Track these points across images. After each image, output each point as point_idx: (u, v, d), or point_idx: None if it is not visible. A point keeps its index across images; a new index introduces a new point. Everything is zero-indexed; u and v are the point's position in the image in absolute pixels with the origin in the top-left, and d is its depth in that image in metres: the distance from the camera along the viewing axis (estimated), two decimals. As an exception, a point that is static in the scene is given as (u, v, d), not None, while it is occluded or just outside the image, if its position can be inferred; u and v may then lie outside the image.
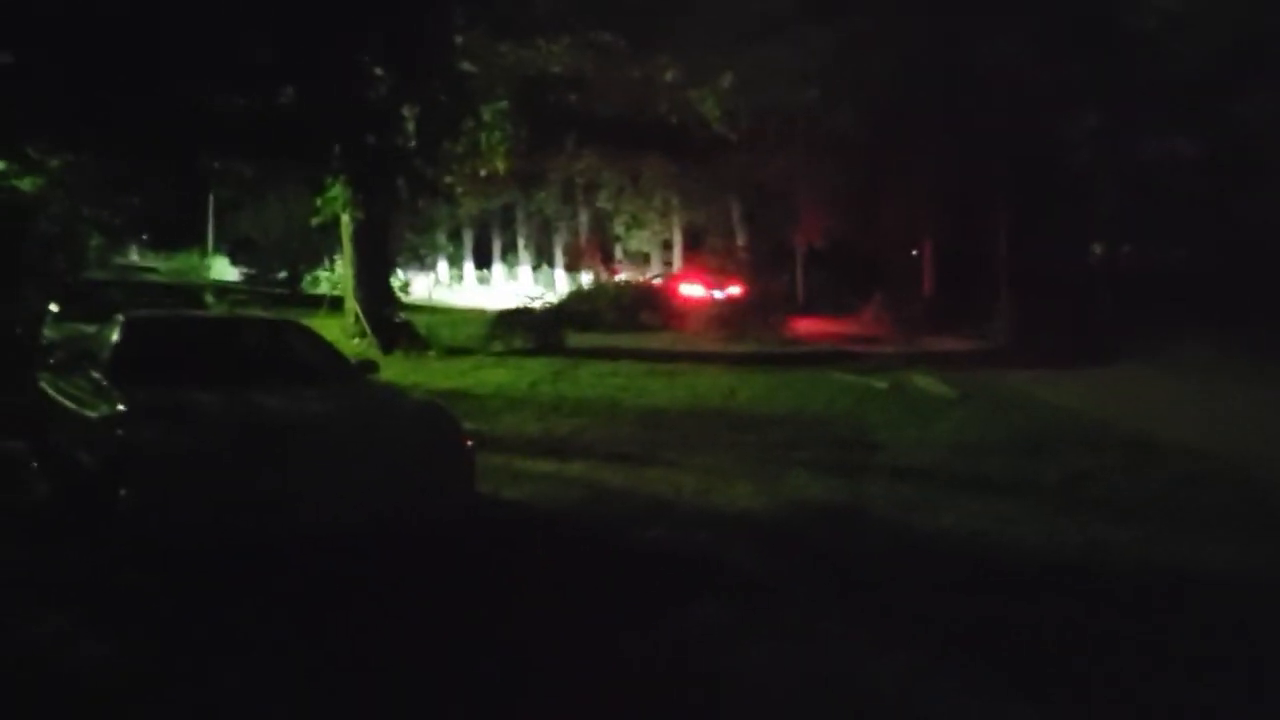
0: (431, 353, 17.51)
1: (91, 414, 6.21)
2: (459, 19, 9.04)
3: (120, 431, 5.74)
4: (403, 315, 19.33)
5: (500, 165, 16.88)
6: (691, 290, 28.84)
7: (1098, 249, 26.91)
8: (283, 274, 34.77)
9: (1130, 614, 5.26)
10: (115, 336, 6.81)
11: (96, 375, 6.55)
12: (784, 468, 8.91)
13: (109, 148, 7.93)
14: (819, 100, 18.81)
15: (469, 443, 6.40)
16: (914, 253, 25.24)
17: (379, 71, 8.32)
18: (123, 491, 5.57)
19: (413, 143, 11.97)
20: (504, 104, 15.73)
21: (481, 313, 28.02)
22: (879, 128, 20.88)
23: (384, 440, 6.04)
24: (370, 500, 5.74)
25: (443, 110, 12.26)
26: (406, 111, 11.91)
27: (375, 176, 11.19)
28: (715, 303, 25.43)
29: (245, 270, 36.81)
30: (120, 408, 5.86)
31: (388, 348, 16.85)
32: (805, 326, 23.68)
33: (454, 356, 17.64)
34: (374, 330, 17.21)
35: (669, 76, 18.53)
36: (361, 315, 17.46)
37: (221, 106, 7.05)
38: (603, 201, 27.84)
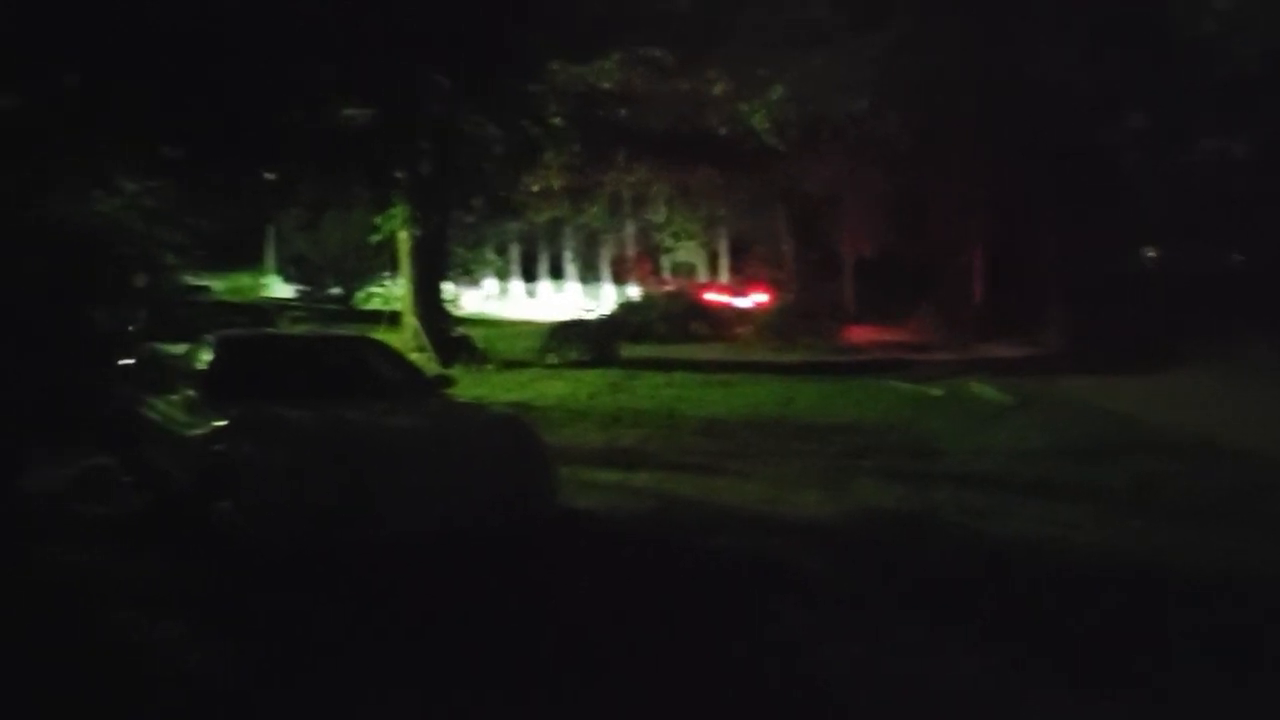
0: (490, 366, 17.79)
1: (188, 430, 6.50)
2: (540, 46, 9.31)
3: (219, 446, 6.02)
4: (460, 329, 19.64)
5: (555, 181, 17.16)
6: (715, 299, 29.31)
7: (1150, 252, 26.65)
8: (335, 290, 35.39)
9: (1200, 615, 5.34)
10: (208, 355, 7.11)
11: (191, 392, 6.85)
12: (848, 476, 9.03)
13: (186, 169, 8.24)
14: (867, 108, 18.86)
15: (549, 453, 6.61)
16: (963, 259, 25.14)
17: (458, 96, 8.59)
18: (222, 503, 5.86)
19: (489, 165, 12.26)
20: (558, 120, 16.02)
21: (532, 325, 28.36)
22: (926, 134, 20.86)
23: (469, 451, 6.26)
24: (457, 509, 5.97)
25: (523, 135, 12.54)
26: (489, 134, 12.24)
27: (452, 196, 11.47)
28: (759, 312, 25.76)
29: (299, 287, 37.49)
30: (218, 423, 6.14)
31: (447, 361, 17.14)
32: (856, 335, 23.70)
33: (511, 369, 17.92)
34: (433, 344, 17.51)
35: (718, 89, 18.72)
36: (421, 330, 17.78)
37: (300, 128, 7.34)
38: (652, 214, 28.03)
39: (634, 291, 33.35)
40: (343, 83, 6.80)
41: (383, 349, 8.38)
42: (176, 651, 4.63)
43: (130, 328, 10.72)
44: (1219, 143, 23.97)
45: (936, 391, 15.15)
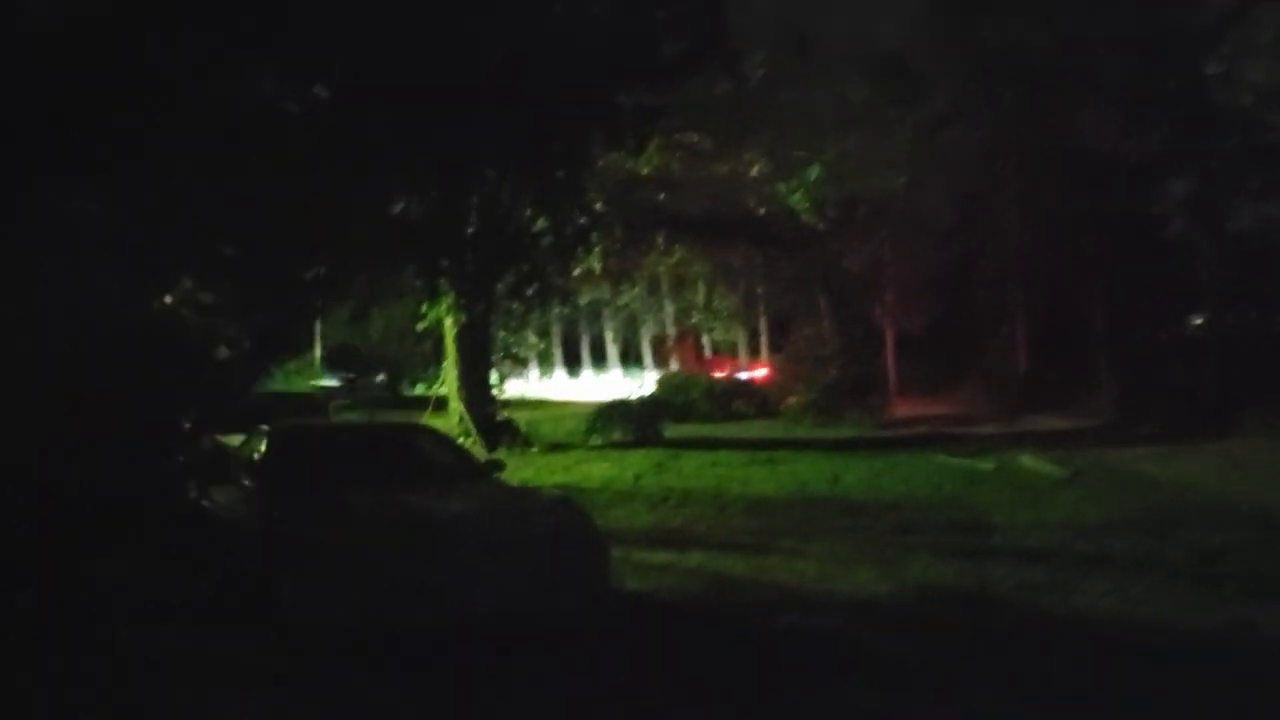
0: (534, 449, 17.89)
1: (249, 518, 6.61)
2: (596, 145, 9.64)
3: (277, 533, 6.11)
4: (504, 413, 19.81)
5: (596, 264, 17.46)
6: (721, 375, 29.79)
7: (1198, 319, 26.34)
8: (380, 378, 35.93)
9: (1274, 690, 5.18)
10: (265, 445, 7.25)
11: (250, 482, 6.98)
12: (902, 552, 8.91)
13: (242, 266, 8.50)
14: (905, 185, 19.05)
15: (602, 535, 6.63)
16: (1007, 330, 25.03)
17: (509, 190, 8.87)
18: (283, 588, 5.92)
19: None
20: (600, 207, 16.35)
21: (575, 407, 28.54)
22: (966, 208, 21.00)
23: (523, 534, 6.30)
24: (513, 592, 5.98)
25: (573, 224, 12.87)
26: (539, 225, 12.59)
27: (503, 284, 11.73)
28: (761, 385, 26.09)
29: (344, 375, 38.10)
30: (276, 511, 6.24)
31: (492, 445, 17.27)
32: (900, 409, 23.55)
33: (556, 451, 17.99)
34: (479, 429, 17.68)
35: (755, 171, 19.03)
36: (466, 414, 17.97)
37: (356, 224, 7.58)
38: (691, 295, 28.37)
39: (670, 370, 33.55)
40: (400, 179, 7.04)
41: (434, 435, 8.50)
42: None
43: (188, 422, 10.98)
44: (1266, 208, 23.82)
45: (986, 465, 14.95)
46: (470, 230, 10.93)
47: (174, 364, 5.99)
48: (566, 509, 6.93)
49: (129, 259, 6.10)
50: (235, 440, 8.44)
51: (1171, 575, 7.89)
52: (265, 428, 7.62)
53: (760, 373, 30.63)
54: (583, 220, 13.18)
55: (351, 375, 37.40)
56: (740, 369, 31.84)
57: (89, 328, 5.47)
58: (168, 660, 5.75)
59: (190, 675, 5.51)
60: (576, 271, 20.50)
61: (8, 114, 5.53)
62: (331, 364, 35.39)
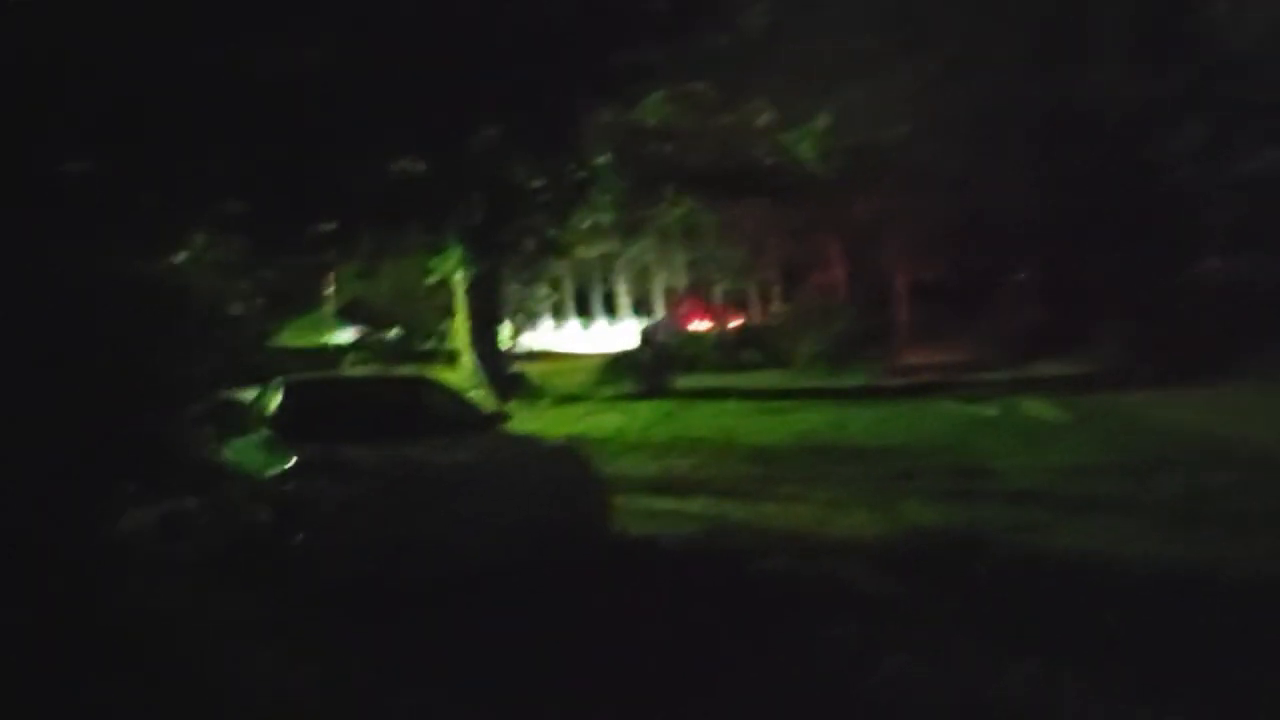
0: (545, 401, 18.17)
1: (262, 470, 6.86)
2: (591, 100, 9.75)
3: (290, 484, 6.37)
4: (515, 366, 20.07)
5: (604, 216, 17.59)
6: (699, 325, 30.00)
7: (1211, 264, 26.24)
8: (392, 333, 36.23)
9: (1255, 623, 5.38)
10: (278, 398, 7.49)
11: (263, 434, 7.23)
12: (900, 497, 9.13)
13: (251, 223, 8.68)
14: (912, 133, 19.00)
15: (604, 483, 6.86)
16: (1015, 277, 25.04)
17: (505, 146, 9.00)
18: (297, 538, 6.19)
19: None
20: (605, 159, 16.42)
21: (584, 359, 28.81)
22: (973, 156, 20.92)
23: (527, 483, 6.55)
24: (517, 539, 6.23)
25: (570, 179, 12.95)
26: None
27: (502, 240, 11.88)
28: (735, 332, 26.25)
29: (357, 330, 38.40)
30: (290, 463, 6.49)
31: (504, 398, 17.53)
32: (909, 357, 23.70)
33: (566, 403, 18.28)
34: (490, 381, 17.95)
35: (762, 121, 19.00)
36: (478, 367, 18.23)
37: (360, 181, 7.73)
38: (702, 247, 28.47)
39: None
40: (401, 138, 7.19)
41: (441, 388, 8.73)
42: (271, 674, 4.94)
43: (201, 376, 11.24)
44: (1273, 152, 23.62)
45: (990, 411, 15.13)
46: (471, 190, 11.10)
47: (187, 319, 6.19)
48: (568, 457, 7.17)
49: (139, 219, 6.29)
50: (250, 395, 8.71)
51: (1162, 515, 8.07)
52: (278, 381, 7.86)
53: (736, 322, 30.91)
54: (581, 175, 13.27)
55: (365, 330, 37.73)
56: (718, 318, 32.10)
57: (100, 285, 5.67)
58: (179, 614, 6.02)
59: (202, 628, 5.79)
60: (586, 225, 20.62)
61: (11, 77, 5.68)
62: (345, 319, 35.66)
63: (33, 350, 5.29)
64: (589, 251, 27.30)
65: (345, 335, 38.47)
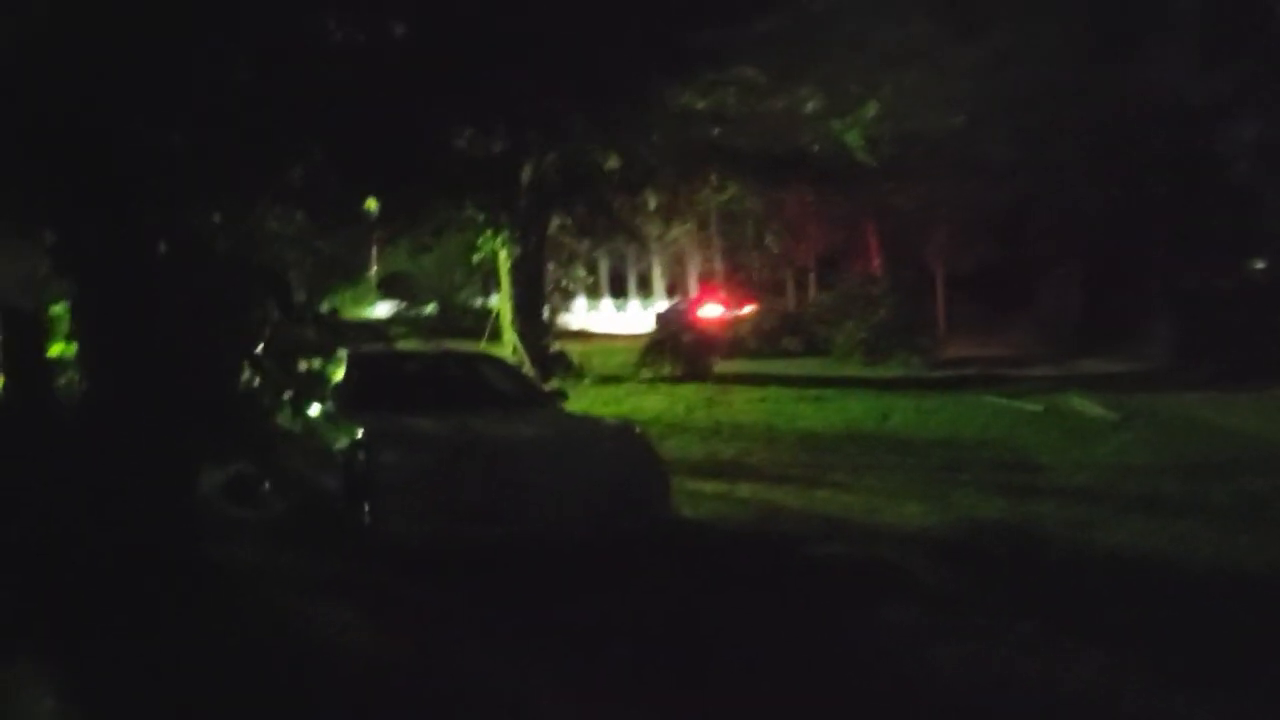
0: (586, 381, 18.25)
1: (330, 439, 6.99)
2: (666, 84, 9.80)
3: (361, 454, 6.49)
4: (556, 345, 20.18)
5: (651, 200, 17.58)
6: (709, 311, 29.87)
7: (1260, 264, 25.90)
8: (430, 307, 36.49)
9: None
10: (341, 370, 7.61)
11: (328, 405, 7.35)
12: (949, 488, 9.14)
13: (311, 196, 8.77)
14: (964, 124, 18.83)
15: (664, 463, 6.94)
16: (1062, 271, 24.82)
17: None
18: (367, 506, 6.32)
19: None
20: (655, 139, 16.39)
21: (620, 340, 28.91)
22: (1026, 147, 20.73)
23: (590, 459, 6.64)
24: (581, 514, 6.33)
25: (644, 162, 12.97)
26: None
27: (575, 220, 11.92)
28: (748, 320, 25.98)
29: (396, 303, 38.71)
30: (360, 433, 6.61)
31: (545, 376, 17.64)
32: (950, 350, 23.57)
33: (607, 384, 18.35)
34: (532, 360, 18.04)
35: (810, 107, 18.88)
36: (520, 345, 18.33)
37: (428, 157, 7.79)
38: (742, 231, 28.46)
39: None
40: (477, 116, 7.26)
41: (500, 364, 8.85)
42: (345, 634, 5.08)
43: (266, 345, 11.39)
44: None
45: (1035, 407, 15.03)
46: (534, 166, 11.17)
47: (259, 287, 6.30)
48: (631, 437, 7.24)
49: (212, 190, 6.39)
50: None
51: (1216, 517, 8.03)
52: (343, 352, 7.96)
53: (750, 309, 30.74)
54: (650, 159, 13.31)
55: (403, 304, 38.02)
56: (735, 307, 31.97)
57: (183, 253, 5.80)
58: (254, 576, 6.18)
59: (275, 590, 5.94)
60: (652, 207, 20.60)
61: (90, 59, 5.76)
62: (387, 292, 35.89)
63: (127, 315, 5.43)
64: (651, 233, 27.34)
65: (383, 309, 38.80)
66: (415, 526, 6.07)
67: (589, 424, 7.89)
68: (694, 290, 42.82)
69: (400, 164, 7.20)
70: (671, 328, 22.08)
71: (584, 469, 6.56)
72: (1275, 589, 6.10)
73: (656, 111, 9.68)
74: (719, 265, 39.65)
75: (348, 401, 7.19)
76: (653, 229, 26.36)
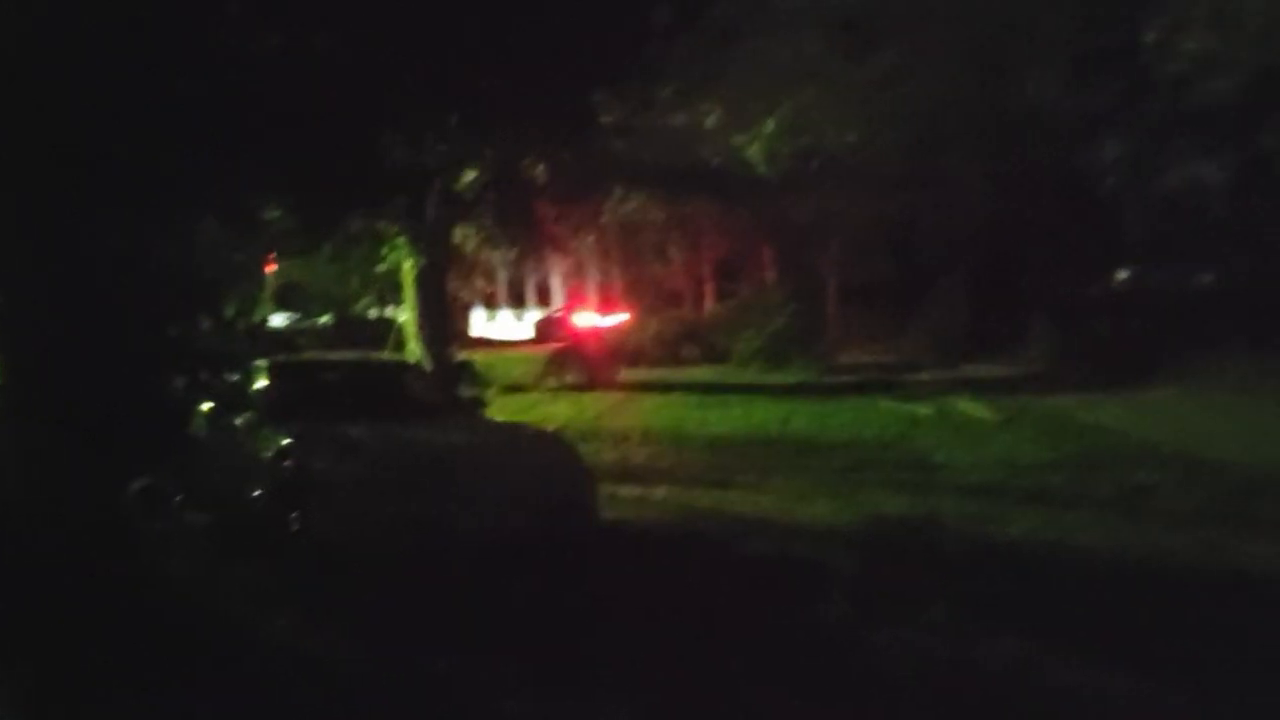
0: (492, 390, 18.27)
1: (253, 448, 6.99)
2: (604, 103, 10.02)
3: (290, 462, 6.52)
4: (460, 354, 20.13)
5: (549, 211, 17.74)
6: (583, 320, 30.64)
7: (1125, 273, 27.53)
8: (324, 318, 35.83)
9: (1193, 605, 5.91)
10: (267, 379, 7.59)
11: (249, 414, 7.33)
12: (855, 487, 9.59)
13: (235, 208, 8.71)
14: (857, 139, 19.59)
15: (589, 468, 7.14)
16: (949, 281, 25.90)
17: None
18: (295, 514, 6.35)
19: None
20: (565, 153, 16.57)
21: (519, 349, 28.99)
22: (914, 161, 21.63)
23: (518, 465, 6.81)
24: (510, 517, 6.48)
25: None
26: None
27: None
28: (620, 331, 26.77)
29: (290, 314, 37.87)
30: (287, 442, 6.64)
31: (450, 385, 17.59)
32: (844, 356, 24.37)
33: (513, 393, 18.45)
34: (437, 370, 17.97)
35: (711, 123, 19.36)
36: (425, 355, 18.24)
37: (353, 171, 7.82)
38: (645, 242, 28.86)
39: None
40: (406, 131, 7.33)
41: (420, 372, 8.91)
42: (292, 638, 5.16)
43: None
44: (1194, 168, 24.92)
45: (927, 410, 15.72)
46: (447, 177, 11.27)
47: (189, 298, 6.28)
48: (556, 442, 7.44)
49: (142, 198, 6.34)
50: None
51: (1100, 508, 8.65)
52: (264, 361, 7.94)
53: (622, 317, 31.45)
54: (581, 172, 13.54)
55: (297, 315, 37.21)
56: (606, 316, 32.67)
57: (114, 261, 5.76)
58: (182, 586, 6.15)
59: (205, 600, 5.93)
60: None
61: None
62: (281, 302, 35.10)
63: (49, 324, 5.38)
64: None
65: (277, 320, 37.87)
66: (345, 534, 6.13)
67: (513, 430, 8.05)
68: (591, 299, 43.18)
69: (332, 174, 7.23)
70: (557, 337, 22.37)
71: (511, 474, 6.72)
72: (1155, 571, 6.64)
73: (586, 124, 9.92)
74: (618, 275, 40.04)
75: (270, 410, 7.18)
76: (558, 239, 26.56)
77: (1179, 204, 25.20)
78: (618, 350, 22.47)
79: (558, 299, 46.03)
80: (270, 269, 28.11)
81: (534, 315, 46.92)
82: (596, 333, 24.14)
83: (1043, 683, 4.62)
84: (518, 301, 48.50)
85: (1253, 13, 13.35)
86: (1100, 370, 19.32)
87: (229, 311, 6.82)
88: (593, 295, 39.81)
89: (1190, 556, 6.98)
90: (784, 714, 4.36)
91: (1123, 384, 18.41)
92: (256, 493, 6.82)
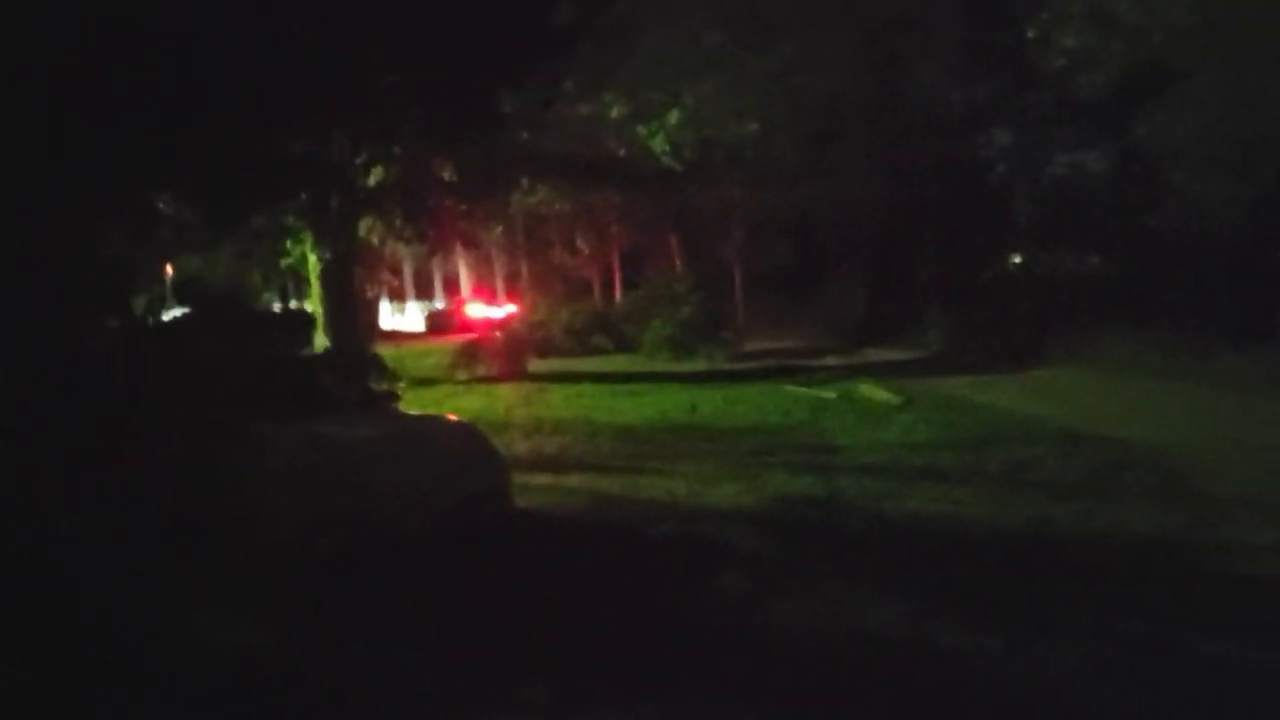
0: (402, 383, 18.24)
1: (186, 446, 6.98)
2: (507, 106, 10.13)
3: (210, 460, 6.56)
4: (369, 348, 20.02)
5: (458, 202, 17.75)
6: (474, 311, 31.07)
7: (1016, 258, 28.74)
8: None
9: (1072, 567, 6.41)
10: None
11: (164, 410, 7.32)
12: (760, 470, 9.96)
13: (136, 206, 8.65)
14: (759, 130, 20.06)
15: (504, 458, 7.33)
16: (849, 268, 26.68)
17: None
18: (208, 513, 6.40)
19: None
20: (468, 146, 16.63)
21: (428, 342, 28.87)
22: (813, 152, 22.23)
23: (435, 456, 6.95)
24: (430, 508, 6.64)
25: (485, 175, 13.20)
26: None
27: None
28: (508, 322, 27.27)
29: (187, 309, 36.94)
30: (204, 439, 6.67)
31: (359, 380, 17.52)
32: (750, 343, 24.91)
33: (424, 386, 18.44)
34: (344, 363, 17.86)
35: (616, 113, 19.62)
36: (333, 349, 18.11)
37: (256, 166, 7.84)
38: (552, 233, 28.99)
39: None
40: (320, 124, 7.37)
41: (333, 366, 8.95)
42: (218, 632, 5.25)
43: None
44: (1078, 157, 26.12)
45: (830, 394, 16.23)
46: (353, 171, 11.28)
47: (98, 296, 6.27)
48: (472, 433, 7.59)
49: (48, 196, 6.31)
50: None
51: (987, 483, 9.18)
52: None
53: (511, 309, 31.81)
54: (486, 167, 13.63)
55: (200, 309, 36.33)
56: (497, 306, 33.03)
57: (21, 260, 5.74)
58: (97, 585, 6.15)
59: (119, 598, 5.95)
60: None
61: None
62: (181, 298, 34.20)
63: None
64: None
65: (178, 314, 36.87)
66: (267, 530, 6.21)
67: (430, 423, 8.18)
68: (485, 292, 43.20)
69: (233, 170, 7.26)
70: (447, 329, 22.38)
71: (426, 466, 6.87)
72: (1037, 541, 7.14)
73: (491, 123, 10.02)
74: (526, 267, 40.03)
75: (188, 409, 7.18)
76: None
77: (1065, 191, 26.39)
78: (528, 341, 22.56)
79: (467, 292, 45.82)
80: (167, 265, 27.50)
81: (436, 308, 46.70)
82: (492, 324, 24.28)
83: (925, 643, 5.01)
84: (426, 295, 48.09)
85: (1125, 11, 14.12)
86: (993, 352, 20.21)
87: (138, 309, 6.82)
88: (487, 288, 40.02)
89: (1065, 524, 7.51)
90: (685, 681, 4.63)
91: (1013, 366, 19.31)
92: (171, 492, 6.82)
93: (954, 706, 4.34)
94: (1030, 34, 15.50)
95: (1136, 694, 4.40)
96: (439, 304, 40.54)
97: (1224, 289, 19.02)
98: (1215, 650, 4.91)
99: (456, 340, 23.52)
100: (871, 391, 16.33)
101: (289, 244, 17.30)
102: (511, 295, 35.27)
